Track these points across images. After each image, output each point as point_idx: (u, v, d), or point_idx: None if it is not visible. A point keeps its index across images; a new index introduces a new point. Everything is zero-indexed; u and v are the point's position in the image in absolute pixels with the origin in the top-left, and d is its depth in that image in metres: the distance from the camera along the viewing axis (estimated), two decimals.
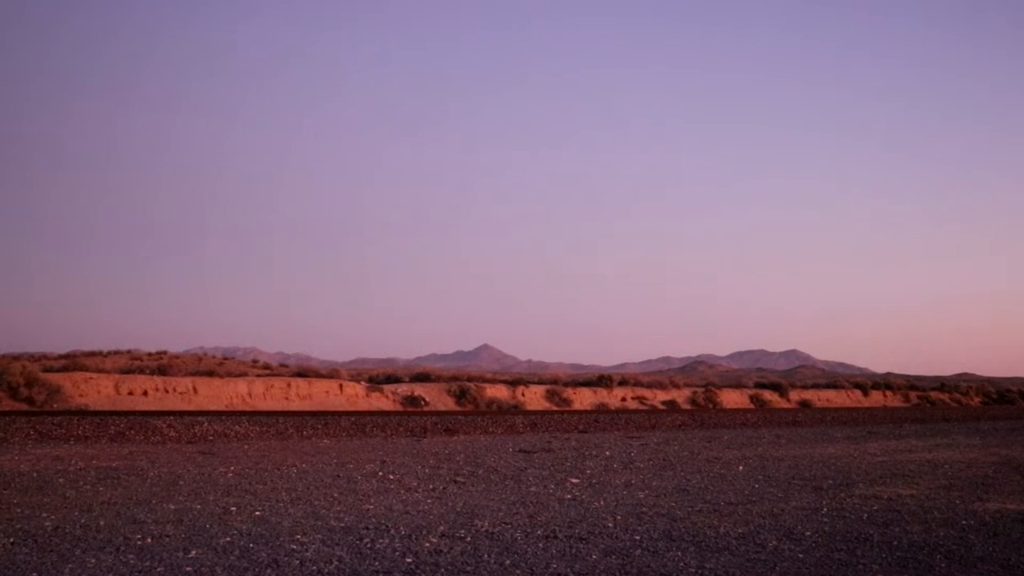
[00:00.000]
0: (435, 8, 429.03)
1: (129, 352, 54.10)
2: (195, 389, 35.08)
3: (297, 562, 5.33)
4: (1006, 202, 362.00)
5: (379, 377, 47.45)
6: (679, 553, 5.75)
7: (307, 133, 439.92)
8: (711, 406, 50.25)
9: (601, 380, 49.95)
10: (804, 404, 55.84)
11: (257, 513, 7.24)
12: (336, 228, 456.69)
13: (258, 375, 42.17)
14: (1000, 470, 12.03)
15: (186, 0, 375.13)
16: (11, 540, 5.94)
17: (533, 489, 9.15)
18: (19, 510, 7.31)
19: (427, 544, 5.95)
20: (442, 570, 5.17)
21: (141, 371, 39.21)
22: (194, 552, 5.58)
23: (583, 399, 46.78)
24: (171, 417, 22.04)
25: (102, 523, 6.65)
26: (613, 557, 5.60)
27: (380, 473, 10.51)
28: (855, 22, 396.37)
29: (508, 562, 5.40)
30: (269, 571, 5.09)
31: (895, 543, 6.24)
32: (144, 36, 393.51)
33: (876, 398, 63.90)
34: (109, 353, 52.91)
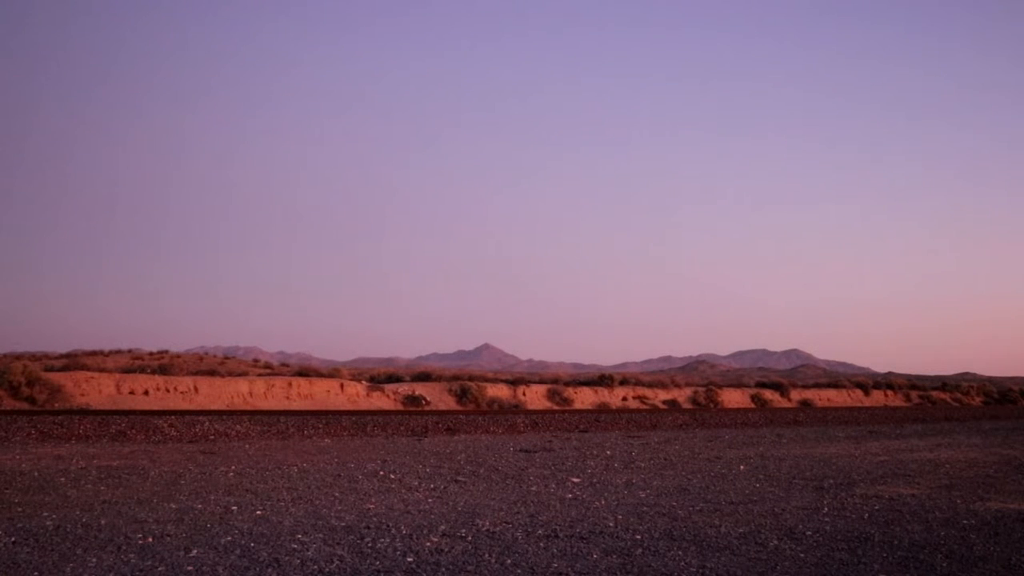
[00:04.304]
0: (445, 14, 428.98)
1: (130, 351, 54.20)
2: (196, 388, 35.10)
3: (298, 561, 5.33)
4: (1008, 202, 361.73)
5: (380, 376, 47.45)
6: (680, 552, 5.75)
7: (309, 134, 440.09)
8: (712, 405, 50.22)
9: (602, 379, 49.92)
10: (805, 404, 55.81)
11: (258, 512, 7.24)
12: (337, 228, 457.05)
13: (259, 374, 42.19)
14: (1002, 470, 12.02)
15: (202, 3, 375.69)
16: (12, 539, 5.95)
17: (534, 488, 9.15)
18: (20, 509, 7.32)
19: (428, 543, 5.95)
20: (443, 569, 5.16)
21: (142, 370, 39.24)
22: (195, 551, 5.59)
23: (584, 398, 46.76)
24: (172, 416, 22.05)
25: (103, 522, 6.66)
26: (614, 556, 5.59)
27: (381, 472, 10.51)
28: (861, 30, 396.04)
29: (509, 561, 5.40)
30: (270, 570, 5.10)
31: (896, 543, 6.23)
32: (156, 35, 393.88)
33: (877, 397, 63.85)
34: (110, 352, 53.01)
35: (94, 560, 5.30)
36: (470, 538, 6.16)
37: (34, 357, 46.15)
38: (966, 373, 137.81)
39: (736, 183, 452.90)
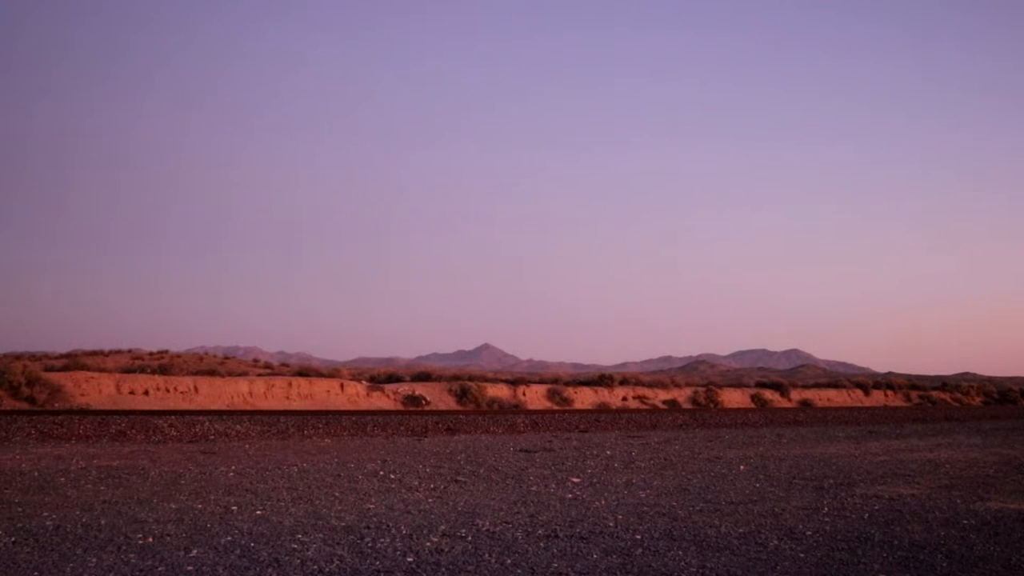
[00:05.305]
0: (451, 17, 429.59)
1: (130, 351, 54.22)
2: (196, 388, 35.10)
3: (298, 561, 5.33)
4: (1008, 203, 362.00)
5: (380, 376, 47.47)
6: (680, 552, 5.75)
7: (308, 134, 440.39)
8: (712, 405, 50.23)
9: (602, 379, 49.93)
10: (805, 404, 55.82)
11: (258, 512, 7.24)
12: (337, 228, 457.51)
13: (259, 374, 42.19)
14: (1001, 470, 12.02)
15: (207, 2, 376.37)
16: (12, 539, 5.95)
17: (534, 488, 9.15)
18: (20, 509, 7.32)
19: (428, 543, 5.95)
20: (443, 569, 5.16)
21: (142, 370, 39.25)
22: (195, 551, 5.59)
23: (584, 398, 46.76)
24: (172, 416, 22.05)
25: (103, 522, 6.66)
26: (614, 556, 5.59)
27: (381, 472, 10.51)
28: (862, 30, 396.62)
29: (509, 561, 5.40)
30: (270, 570, 5.10)
31: (896, 543, 6.23)
32: (159, 36, 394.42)
33: (877, 397, 63.86)
34: (110, 352, 53.02)
35: (94, 560, 5.30)
36: (470, 538, 6.16)
37: (34, 357, 46.19)
38: (966, 373, 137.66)
39: (736, 183, 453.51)
